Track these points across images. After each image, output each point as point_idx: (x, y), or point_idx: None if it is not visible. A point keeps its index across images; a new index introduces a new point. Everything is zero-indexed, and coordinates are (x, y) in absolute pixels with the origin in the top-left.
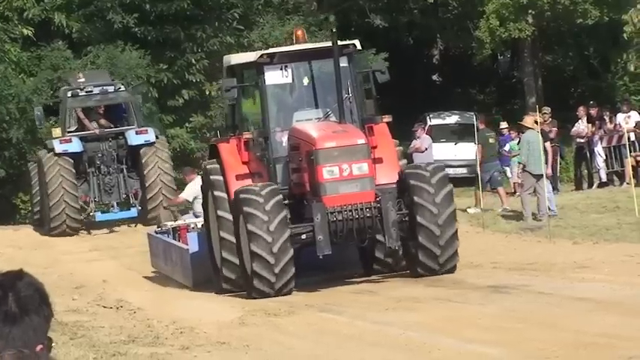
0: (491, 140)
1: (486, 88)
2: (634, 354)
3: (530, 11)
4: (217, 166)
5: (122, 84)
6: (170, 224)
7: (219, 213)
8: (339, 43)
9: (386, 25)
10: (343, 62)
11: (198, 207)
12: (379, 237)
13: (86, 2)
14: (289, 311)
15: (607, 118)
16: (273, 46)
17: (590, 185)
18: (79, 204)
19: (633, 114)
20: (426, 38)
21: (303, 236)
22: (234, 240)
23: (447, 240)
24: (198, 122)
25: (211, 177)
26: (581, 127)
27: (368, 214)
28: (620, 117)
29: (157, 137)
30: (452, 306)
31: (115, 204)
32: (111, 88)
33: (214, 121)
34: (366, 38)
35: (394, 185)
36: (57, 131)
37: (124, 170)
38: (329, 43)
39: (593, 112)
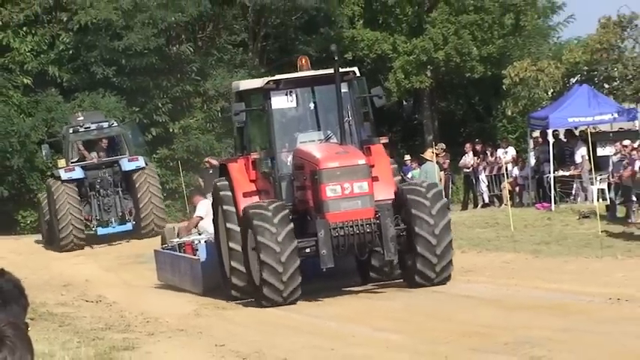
0: None
1: (393, 127)
2: (508, 340)
3: (428, 67)
4: (227, 183)
5: (115, 120)
6: (176, 241)
7: (229, 225)
8: (340, 70)
9: None
10: (344, 88)
11: (208, 224)
12: (377, 249)
13: (74, 57)
14: (236, 305)
15: (489, 153)
16: (224, 94)
17: (475, 206)
18: (83, 221)
19: (510, 149)
20: None
21: (307, 250)
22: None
23: (442, 249)
24: (163, 154)
25: (221, 193)
26: (467, 159)
27: (368, 230)
28: (500, 151)
29: (146, 164)
30: (365, 302)
31: (113, 220)
32: (105, 124)
33: (176, 153)
34: None
35: (390, 201)
36: (62, 162)
37: (120, 192)
38: (331, 71)
39: (479, 147)
